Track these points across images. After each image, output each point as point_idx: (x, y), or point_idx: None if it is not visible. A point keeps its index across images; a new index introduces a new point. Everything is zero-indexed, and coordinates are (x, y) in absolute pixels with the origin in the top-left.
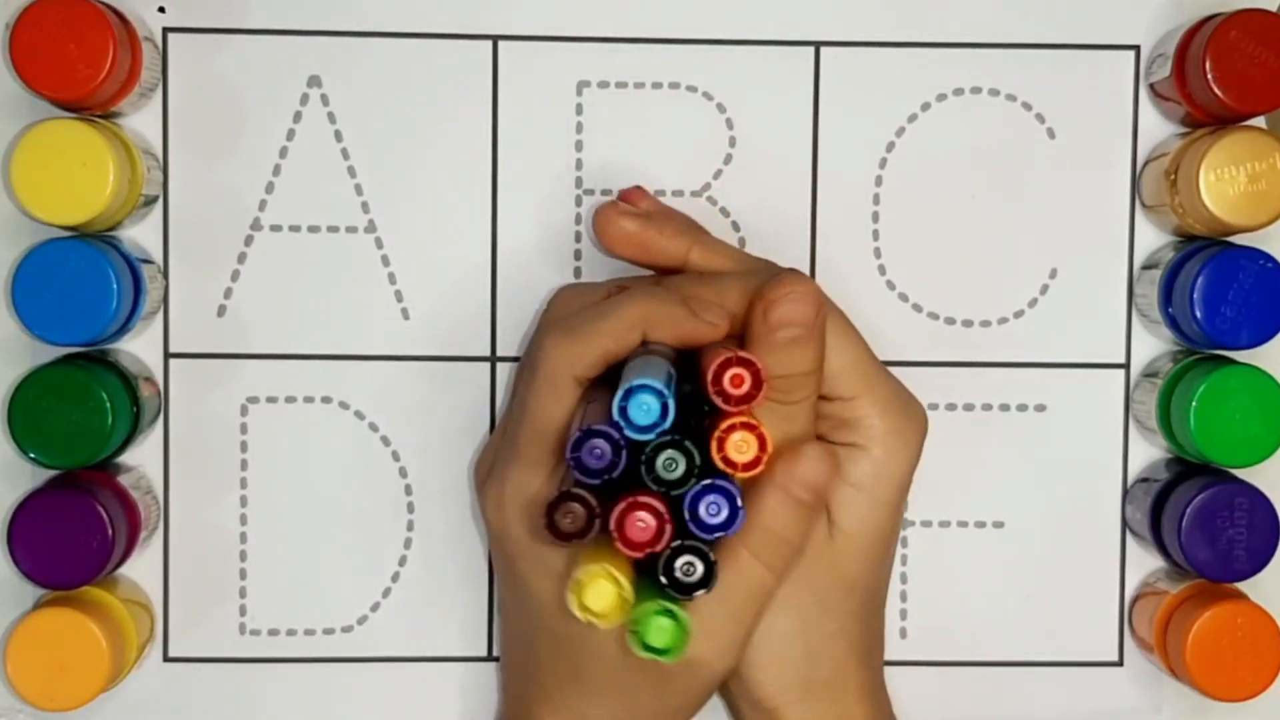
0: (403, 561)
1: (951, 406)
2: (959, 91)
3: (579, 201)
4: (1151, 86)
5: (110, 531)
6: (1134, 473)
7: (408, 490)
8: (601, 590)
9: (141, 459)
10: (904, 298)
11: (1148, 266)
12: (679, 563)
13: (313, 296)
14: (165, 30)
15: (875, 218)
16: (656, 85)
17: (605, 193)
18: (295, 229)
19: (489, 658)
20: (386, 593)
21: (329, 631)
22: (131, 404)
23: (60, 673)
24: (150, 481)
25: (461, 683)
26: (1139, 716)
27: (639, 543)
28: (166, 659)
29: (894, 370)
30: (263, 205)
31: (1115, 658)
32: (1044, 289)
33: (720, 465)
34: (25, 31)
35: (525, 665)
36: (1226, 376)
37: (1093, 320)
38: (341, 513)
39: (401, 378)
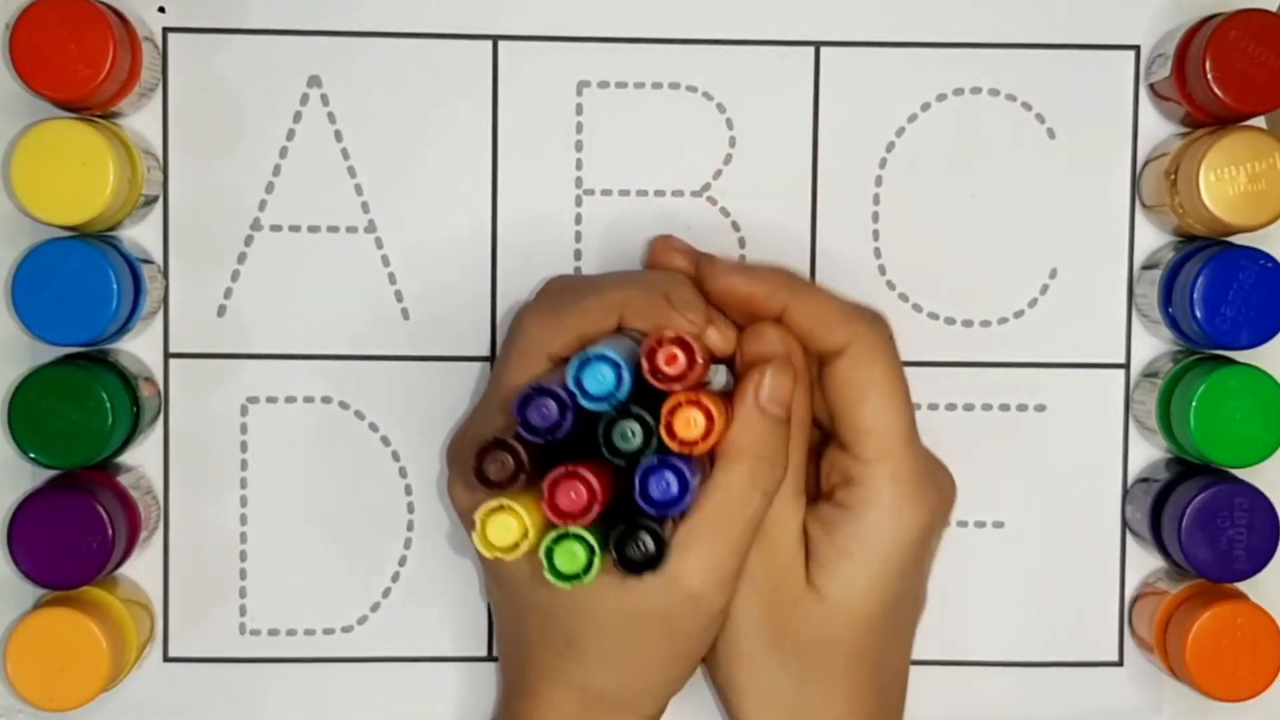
0: (403, 561)
1: (951, 406)
2: (959, 91)
3: (579, 201)
4: (1151, 86)
5: (110, 531)
6: (1134, 473)
7: (408, 490)
8: (502, 524)
9: (141, 459)
10: (904, 298)
11: (1148, 266)
12: (630, 540)
13: (313, 296)
14: (165, 30)
15: (875, 218)
16: (656, 85)
17: (605, 193)
18: (295, 229)
19: (488, 658)
20: (386, 593)
21: (329, 631)
22: (131, 404)
23: (60, 673)
24: (150, 481)
25: (460, 683)
26: (1139, 716)
27: (567, 512)
28: (166, 659)
29: None
30: (263, 205)
31: (1115, 658)
32: (1044, 289)
33: (670, 443)
34: (25, 31)
35: (519, 648)
36: (1226, 376)
37: (1093, 320)
38: (341, 513)
39: (401, 378)
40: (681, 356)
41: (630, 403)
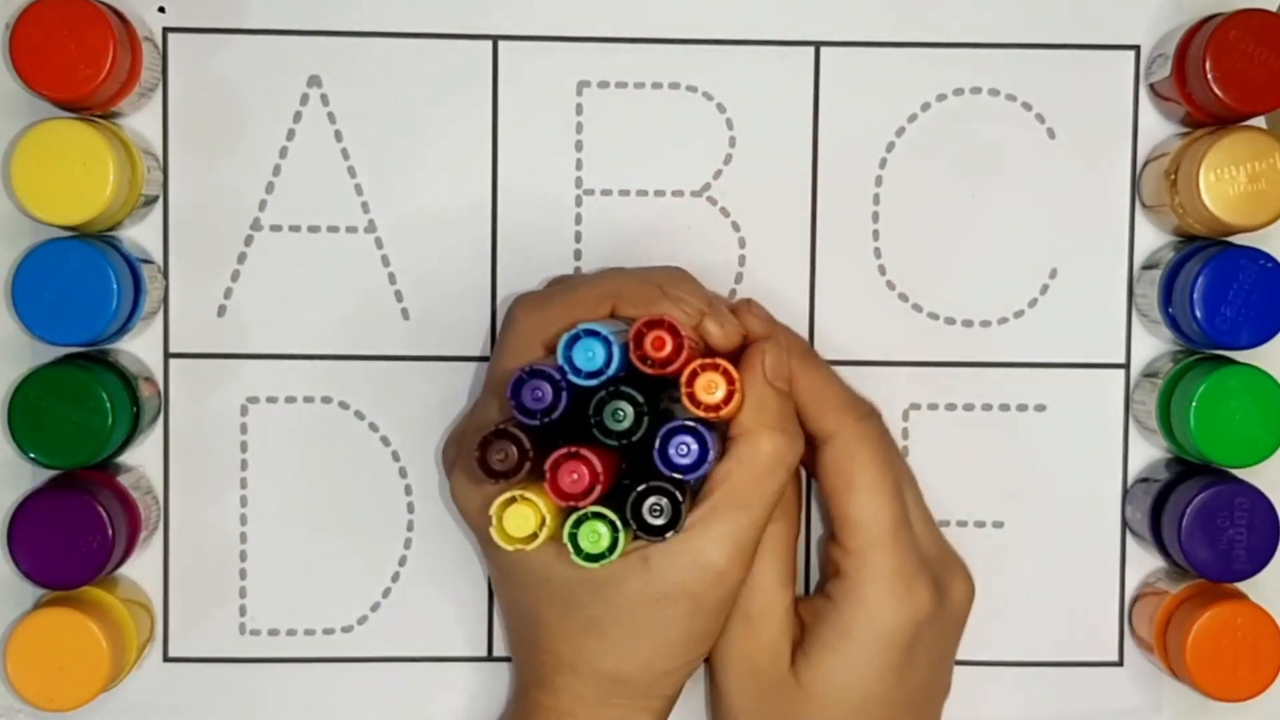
0: (403, 561)
1: (951, 406)
2: (959, 91)
3: (579, 201)
4: (1151, 86)
5: (110, 531)
6: (1134, 473)
7: (408, 490)
8: (519, 515)
9: (141, 459)
10: (904, 298)
11: (1148, 266)
12: (647, 503)
13: (313, 296)
14: (165, 30)
15: (875, 218)
16: (656, 85)
17: (605, 193)
18: (295, 229)
19: (489, 658)
20: (386, 593)
21: (329, 631)
22: (131, 404)
23: (60, 673)
24: (150, 481)
25: (461, 683)
26: (1139, 716)
27: (569, 493)
28: (166, 659)
29: (894, 370)
30: (263, 205)
31: (1115, 658)
32: (1044, 289)
33: (691, 409)
34: (25, 31)
35: (535, 641)
36: (1226, 376)
37: (1093, 320)
38: (341, 513)
39: (401, 378)
40: (669, 341)
41: (620, 382)
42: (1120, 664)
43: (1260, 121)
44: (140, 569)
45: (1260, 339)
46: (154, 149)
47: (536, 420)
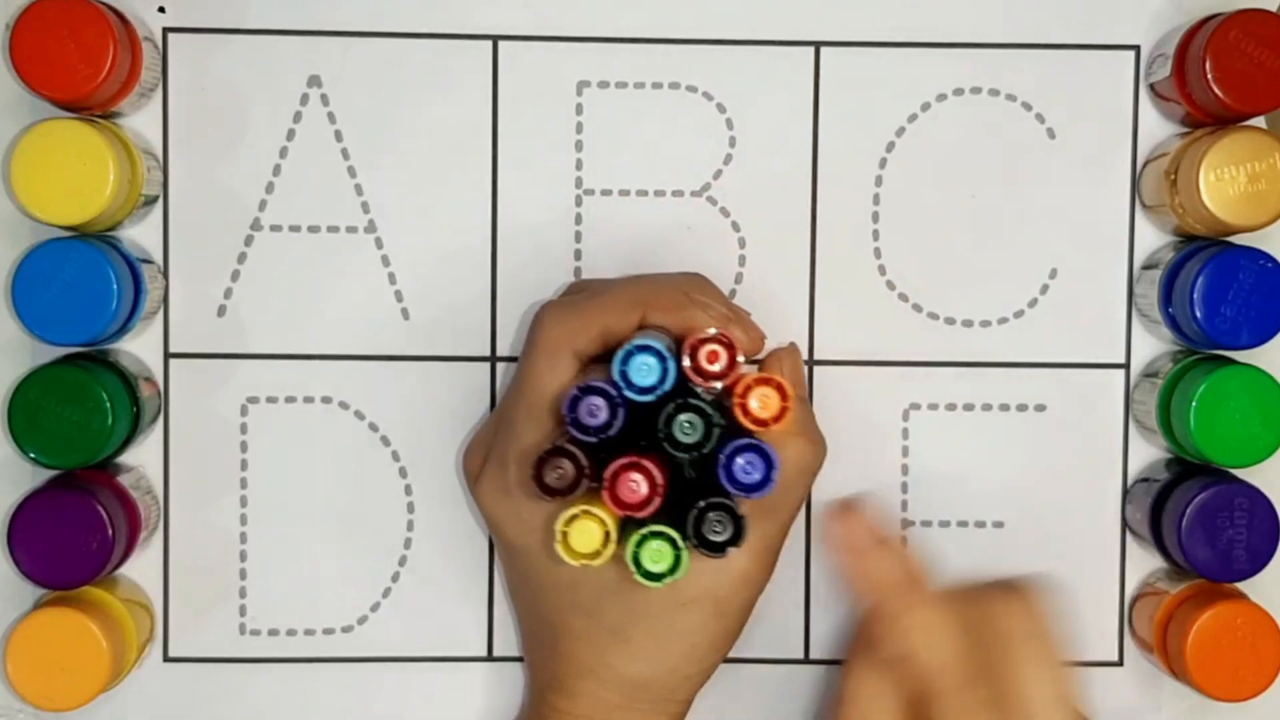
0: (403, 561)
1: (951, 406)
2: (959, 91)
3: (579, 201)
4: (1151, 86)
5: (110, 531)
6: (1134, 473)
7: (408, 490)
8: (585, 531)
9: (141, 459)
10: (904, 298)
11: (1148, 266)
12: (709, 519)
13: (313, 296)
14: (165, 30)
15: (875, 218)
16: (656, 85)
17: (605, 193)
18: (295, 229)
19: (489, 658)
20: (386, 593)
21: (329, 631)
22: (131, 404)
23: (60, 673)
24: (150, 481)
25: (462, 683)
26: (1139, 716)
27: (629, 503)
28: (166, 659)
29: (894, 370)
30: (263, 205)
31: (1115, 658)
32: (1044, 289)
33: (746, 424)
34: (25, 31)
35: (554, 648)
36: (1226, 376)
37: (1093, 320)
38: (341, 513)
39: (401, 378)
40: (723, 354)
41: (682, 394)
42: (1120, 664)
43: (1260, 121)
44: (140, 569)
45: (1260, 339)
46: (154, 149)
47: (593, 437)
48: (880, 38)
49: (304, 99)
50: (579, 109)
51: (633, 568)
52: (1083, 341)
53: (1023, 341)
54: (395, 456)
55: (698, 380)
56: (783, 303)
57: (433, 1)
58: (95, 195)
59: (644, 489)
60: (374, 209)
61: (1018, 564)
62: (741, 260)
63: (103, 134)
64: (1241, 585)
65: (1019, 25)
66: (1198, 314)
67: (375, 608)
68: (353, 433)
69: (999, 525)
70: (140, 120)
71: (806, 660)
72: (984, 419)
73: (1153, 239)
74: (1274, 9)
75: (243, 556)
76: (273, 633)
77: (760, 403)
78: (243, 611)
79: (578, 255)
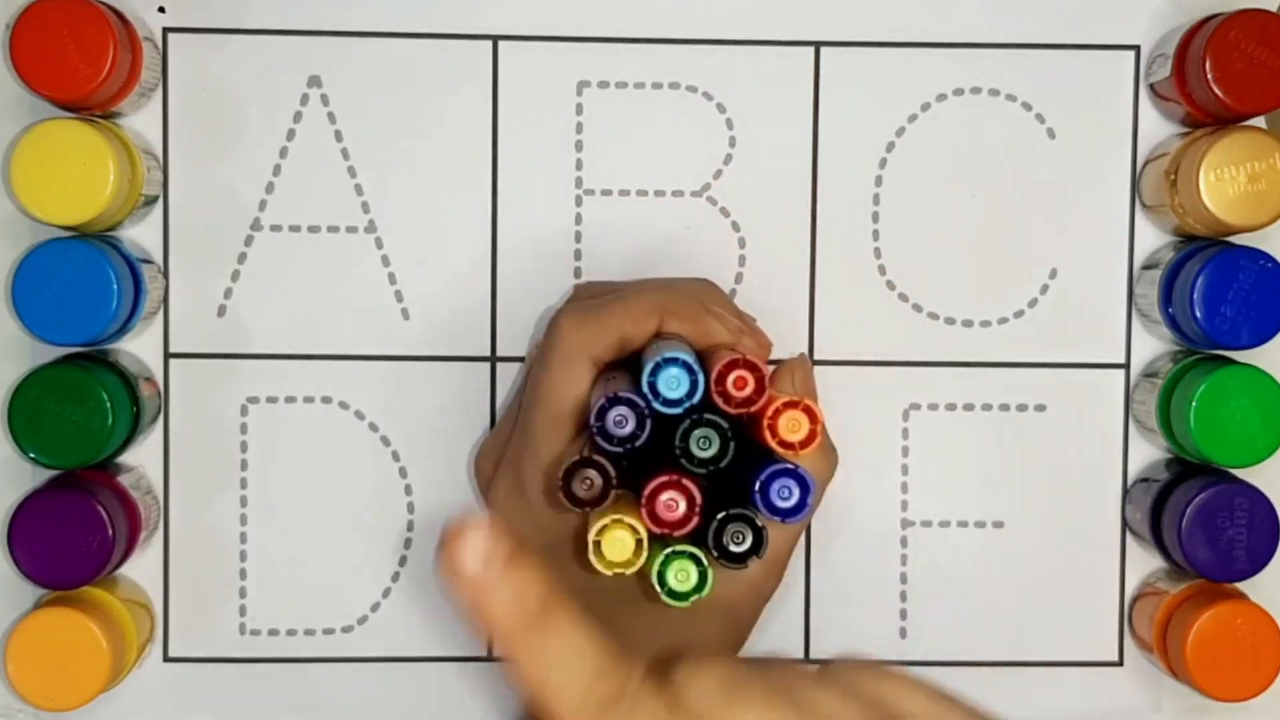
0: (403, 561)
1: (951, 406)
2: (959, 91)
3: (579, 201)
4: (1151, 86)
5: (110, 531)
6: (1134, 473)
7: (408, 490)
8: (619, 540)
9: (141, 459)
10: (904, 298)
11: (1148, 266)
12: (729, 531)
13: (313, 296)
14: (165, 30)
15: (875, 218)
16: (656, 85)
17: (605, 193)
18: (295, 229)
19: (489, 658)
20: (386, 593)
21: (329, 631)
22: (131, 404)
23: (60, 673)
24: (150, 481)
25: (461, 683)
26: (1139, 716)
27: (667, 521)
28: (166, 659)
29: (894, 370)
30: (263, 205)
31: (1115, 658)
32: (1044, 289)
33: (777, 449)
34: (25, 31)
35: None
36: (1226, 376)
37: (1093, 320)
38: (341, 513)
39: (401, 378)
40: (751, 380)
41: (704, 409)
42: (1120, 664)
43: (1260, 121)
44: (140, 569)
45: (1260, 339)
46: (154, 149)
47: (621, 448)
48: (880, 38)
49: (304, 99)
50: (579, 109)
51: (658, 588)
52: (1082, 341)
53: (1022, 341)
54: (395, 456)
55: (725, 406)
56: (783, 303)
57: (433, 1)
58: (95, 195)
59: (682, 507)
60: (374, 209)
61: (1018, 564)
62: (741, 260)
63: (103, 134)
64: (1241, 585)
65: (1019, 25)
66: (1198, 314)
67: (375, 608)
68: (353, 433)
69: (999, 525)
70: (140, 120)
71: (807, 660)
72: (984, 419)
73: (1153, 239)
74: (1274, 9)
75: (243, 556)
76: (273, 633)
77: (790, 426)
78: (243, 611)
79: (578, 255)
